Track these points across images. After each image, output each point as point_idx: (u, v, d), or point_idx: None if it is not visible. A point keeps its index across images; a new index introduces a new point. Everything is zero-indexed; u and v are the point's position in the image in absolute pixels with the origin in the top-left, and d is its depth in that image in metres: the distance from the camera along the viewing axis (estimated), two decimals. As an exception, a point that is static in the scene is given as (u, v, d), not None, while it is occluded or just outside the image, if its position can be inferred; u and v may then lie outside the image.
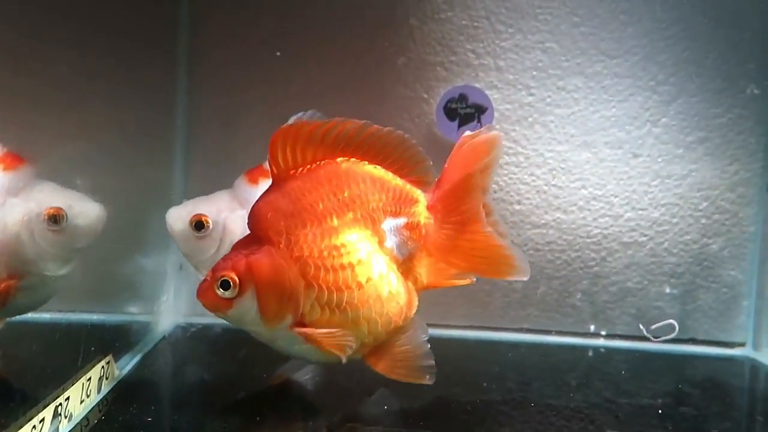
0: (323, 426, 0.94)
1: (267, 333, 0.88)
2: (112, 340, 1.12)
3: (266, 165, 1.11)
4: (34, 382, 0.93)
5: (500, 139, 0.92)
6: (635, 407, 1.08)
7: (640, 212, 1.46)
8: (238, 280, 0.83)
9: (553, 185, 1.46)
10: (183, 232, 1.07)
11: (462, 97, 1.42)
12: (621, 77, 1.44)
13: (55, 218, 0.94)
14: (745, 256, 1.46)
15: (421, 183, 0.96)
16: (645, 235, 1.46)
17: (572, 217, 1.46)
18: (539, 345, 1.44)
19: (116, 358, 1.07)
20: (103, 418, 0.92)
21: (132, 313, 1.29)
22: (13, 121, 0.95)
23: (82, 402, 0.91)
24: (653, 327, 1.43)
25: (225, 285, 0.84)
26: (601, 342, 1.47)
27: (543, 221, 1.46)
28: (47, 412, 0.80)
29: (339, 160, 0.90)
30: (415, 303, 0.95)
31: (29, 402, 0.80)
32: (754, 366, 1.39)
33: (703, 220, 1.46)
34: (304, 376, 1.12)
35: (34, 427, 0.76)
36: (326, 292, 0.86)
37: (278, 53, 1.43)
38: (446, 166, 0.94)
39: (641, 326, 1.42)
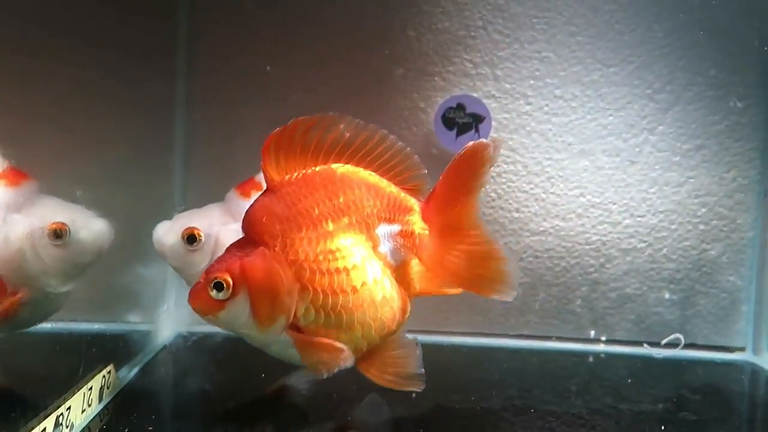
0: (323, 433, 0.94)
1: (259, 336, 0.88)
2: (113, 350, 1.13)
3: (258, 178, 1.11)
4: (36, 392, 0.93)
5: (496, 146, 0.91)
6: (636, 413, 1.08)
7: (638, 219, 1.47)
8: (231, 282, 0.83)
9: (552, 193, 1.47)
10: (174, 246, 1.06)
11: (460, 107, 1.43)
12: (618, 86, 1.45)
13: (58, 233, 0.94)
14: (743, 261, 1.46)
15: (415, 191, 0.96)
16: (644, 242, 1.47)
17: (571, 224, 1.47)
18: (539, 351, 1.44)
19: (117, 368, 1.07)
20: (104, 427, 0.92)
21: (133, 322, 1.30)
22: (13, 136, 0.96)
23: (83, 411, 0.91)
24: (663, 342, 1.43)
25: (218, 286, 0.83)
26: (601, 348, 1.47)
27: (542, 228, 1.47)
28: (48, 422, 0.80)
29: (334, 166, 0.90)
30: (408, 309, 0.96)
31: (31, 412, 0.80)
32: (754, 371, 1.39)
33: (702, 227, 1.46)
34: (301, 384, 1.13)
35: (35, 436, 0.77)
36: (321, 295, 0.86)
37: (268, 67, 1.44)
38: (442, 176, 0.94)
39: (646, 346, 1.42)
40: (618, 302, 1.48)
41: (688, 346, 1.45)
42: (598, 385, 1.24)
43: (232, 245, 0.89)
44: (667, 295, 1.47)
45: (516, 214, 1.47)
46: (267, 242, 0.86)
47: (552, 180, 1.46)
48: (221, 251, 0.89)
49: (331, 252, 0.87)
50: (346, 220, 0.89)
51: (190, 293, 0.86)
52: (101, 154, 1.15)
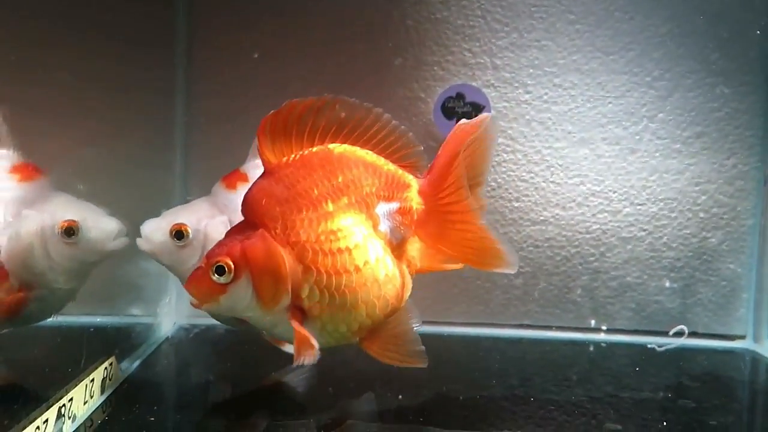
0: (324, 424, 0.94)
1: (263, 319, 0.88)
2: (115, 342, 1.13)
3: (243, 169, 1.11)
4: (38, 384, 0.94)
5: (489, 121, 0.92)
6: (636, 401, 1.08)
7: (638, 207, 1.46)
8: (233, 265, 0.83)
9: (552, 182, 1.47)
10: (163, 243, 1.04)
11: (459, 96, 1.43)
12: (617, 74, 1.45)
13: (69, 231, 0.94)
14: (744, 249, 1.46)
15: (412, 168, 0.96)
16: (644, 230, 1.47)
17: (571, 213, 1.47)
18: (540, 341, 1.45)
19: (119, 360, 1.07)
20: (106, 418, 0.93)
21: (134, 315, 1.30)
22: (16, 129, 0.96)
23: (85, 403, 0.92)
24: (671, 333, 1.42)
25: (220, 270, 0.83)
26: (601, 337, 1.47)
27: (542, 218, 1.47)
28: (51, 413, 0.81)
29: (331, 146, 0.90)
30: (410, 286, 0.96)
31: (33, 403, 0.80)
32: (755, 358, 1.39)
33: (702, 214, 1.46)
34: (302, 375, 1.13)
35: (37, 428, 0.77)
36: (325, 276, 0.86)
37: (256, 55, 1.43)
38: (440, 152, 0.94)
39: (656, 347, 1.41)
40: (618, 291, 1.48)
41: (688, 334, 1.46)
42: (598, 373, 1.25)
43: (232, 229, 0.89)
44: (667, 284, 1.47)
45: (516, 204, 1.47)
46: (267, 225, 0.86)
47: (552, 169, 1.46)
48: (211, 245, 0.89)
49: (332, 232, 0.87)
50: (345, 199, 0.89)
51: (189, 279, 0.86)
52: (100, 148, 1.15)
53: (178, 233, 1.04)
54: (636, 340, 1.45)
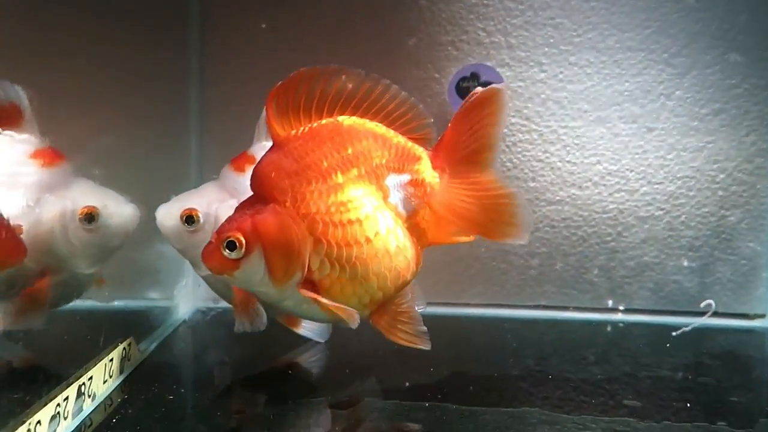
0: (339, 403, 0.94)
1: (276, 293, 0.88)
2: (133, 325, 1.14)
3: (251, 151, 1.10)
4: (59, 365, 0.95)
5: (503, 91, 0.91)
6: (655, 381, 1.08)
7: (656, 186, 1.45)
8: (244, 240, 0.83)
9: (568, 161, 1.45)
10: (174, 228, 1.05)
11: (474, 76, 1.42)
12: (633, 51, 1.43)
13: (90, 217, 0.95)
14: (763, 227, 1.44)
15: (422, 141, 0.95)
16: (661, 209, 1.45)
17: (587, 192, 1.46)
18: (557, 321, 1.44)
19: (138, 342, 1.08)
20: (126, 397, 0.93)
21: (152, 298, 1.31)
22: (35, 114, 0.96)
23: (105, 382, 0.93)
24: (702, 305, 1.40)
25: (231, 246, 0.83)
26: (619, 317, 1.46)
27: (558, 198, 1.46)
28: (71, 391, 0.81)
29: (341, 118, 0.89)
30: (421, 259, 0.95)
31: (53, 381, 0.81)
32: (775, 337, 1.38)
33: (720, 193, 1.44)
34: (318, 354, 1.13)
35: (58, 405, 0.78)
36: (335, 247, 0.86)
37: (269, 37, 1.43)
38: (451, 123, 0.93)
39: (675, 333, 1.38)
40: (636, 271, 1.47)
41: (707, 313, 1.44)
42: (616, 354, 1.24)
43: (241, 204, 0.88)
44: (685, 263, 1.46)
45: (532, 184, 1.46)
46: (277, 198, 0.85)
47: (568, 148, 1.45)
48: None
49: (342, 204, 0.86)
50: (355, 171, 0.88)
51: (203, 253, 0.85)
52: (116, 133, 1.15)
53: (189, 218, 1.04)
54: (654, 320, 1.44)
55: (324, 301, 0.86)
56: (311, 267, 0.86)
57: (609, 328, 1.41)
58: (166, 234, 1.06)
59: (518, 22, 1.44)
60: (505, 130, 1.44)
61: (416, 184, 0.93)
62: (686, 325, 1.31)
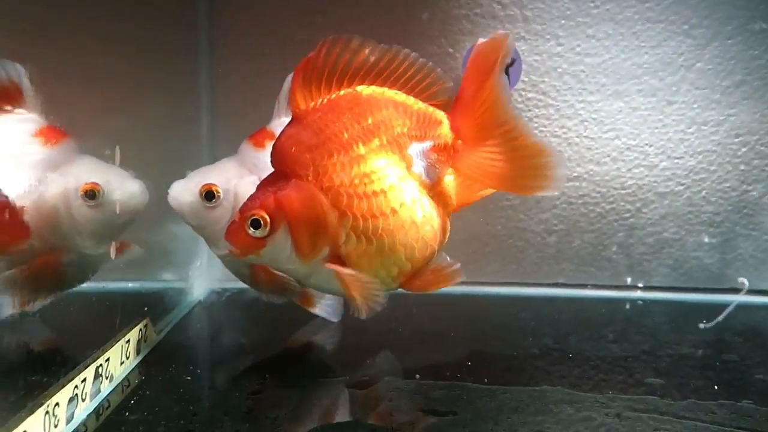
0: (358, 382, 0.94)
1: (303, 269, 0.86)
2: (148, 306, 1.13)
3: (270, 127, 1.09)
4: (77, 347, 0.94)
5: (506, 37, 0.86)
6: (675, 358, 1.06)
7: (676, 161, 1.42)
8: (268, 218, 0.81)
9: (585, 137, 1.43)
10: (192, 204, 1.02)
11: (489, 51, 1.39)
12: (653, 22, 1.40)
13: (91, 194, 0.93)
14: (786, 202, 1.42)
15: (443, 106, 0.92)
16: (681, 184, 1.43)
17: (606, 168, 1.43)
18: (575, 299, 1.43)
19: (154, 323, 1.08)
20: (143, 378, 0.93)
21: (166, 279, 1.31)
22: (43, 92, 0.95)
23: (122, 363, 0.92)
24: (740, 280, 1.37)
25: (256, 224, 0.81)
26: (638, 294, 1.45)
27: (575, 174, 1.44)
28: (88, 372, 0.81)
29: (359, 88, 0.87)
30: (448, 227, 0.93)
31: (70, 364, 0.81)
32: (798, 314, 1.36)
33: (742, 167, 1.42)
34: (334, 335, 1.13)
35: (76, 386, 0.77)
36: (361, 220, 0.84)
37: (280, 13, 1.39)
38: (462, 81, 0.90)
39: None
40: (655, 247, 1.45)
41: (728, 290, 1.42)
42: (635, 332, 1.22)
43: (263, 181, 0.87)
44: (706, 239, 1.44)
45: (549, 160, 1.44)
46: (299, 173, 0.84)
47: (585, 123, 1.42)
48: (241, 205, 0.87)
49: (366, 175, 0.85)
50: (377, 141, 0.86)
51: (227, 233, 0.84)
52: (127, 112, 1.14)
53: (209, 194, 1.02)
54: (674, 297, 1.43)
55: (347, 272, 0.84)
56: (338, 241, 0.84)
57: (628, 306, 1.40)
58: (181, 210, 1.04)
59: (534, -6, 1.41)
60: (521, 106, 1.42)
61: (439, 149, 0.90)
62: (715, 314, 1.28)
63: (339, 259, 0.85)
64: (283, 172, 0.85)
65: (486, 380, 0.94)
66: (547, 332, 1.21)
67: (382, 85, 0.88)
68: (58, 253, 0.95)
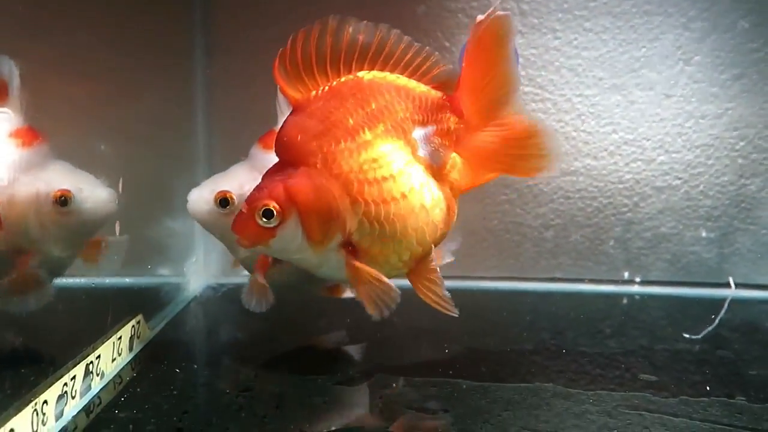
0: (352, 378, 0.94)
1: (314, 258, 0.86)
2: (143, 302, 1.14)
3: (278, 128, 1.08)
4: (67, 343, 0.94)
5: (506, 17, 0.86)
6: (672, 353, 1.06)
7: (673, 155, 1.42)
8: (279, 207, 0.81)
9: (583, 131, 1.42)
10: (209, 212, 1.04)
11: (485, 44, 1.38)
12: (651, 15, 1.39)
13: (63, 200, 0.92)
14: (785, 196, 1.41)
15: (444, 88, 0.91)
16: (679, 179, 1.42)
17: (603, 162, 1.43)
18: (572, 294, 1.42)
19: (148, 319, 1.08)
20: (135, 375, 0.93)
21: (162, 274, 1.30)
22: (35, 91, 0.94)
23: (113, 360, 0.92)
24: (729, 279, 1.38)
25: (267, 214, 0.81)
26: (635, 289, 1.44)
27: (573, 168, 1.43)
28: (78, 370, 0.81)
29: (360, 74, 0.87)
30: (455, 209, 0.93)
31: (60, 362, 0.81)
32: (796, 308, 1.35)
33: (740, 161, 1.41)
34: (330, 331, 1.12)
35: (65, 384, 0.77)
36: (372, 206, 0.83)
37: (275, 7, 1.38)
38: (463, 66, 0.89)
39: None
40: (653, 242, 1.44)
41: (726, 285, 1.42)
42: (632, 326, 1.22)
43: (268, 171, 0.86)
44: (704, 234, 1.43)
45: (545, 154, 1.43)
46: (306, 160, 0.83)
47: (582, 117, 1.42)
48: None
49: (374, 160, 0.84)
50: (381, 126, 0.85)
51: (235, 225, 0.83)
52: (123, 109, 1.14)
53: (223, 201, 1.02)
54: (671, 291, 1.42)
55: (358, 265, 0.84)
56: (350, 228, 0.84)
57: (625, 301, 1.39)
58: (201, 220, 1.05)
59: (531, -13, 1.40)
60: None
61: (443, 133, 0.90)
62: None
63: (351, 246, 0.85)
64: (288, 161, 0.85)
65: (479, 377, 0.94)
66: (544, 327, 1.20)
67: (381, 69, 0.87)
68: (27, 256, 0.94)
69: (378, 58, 0.87)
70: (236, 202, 1.02)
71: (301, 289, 1.07)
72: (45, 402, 0.72)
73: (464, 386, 0.90)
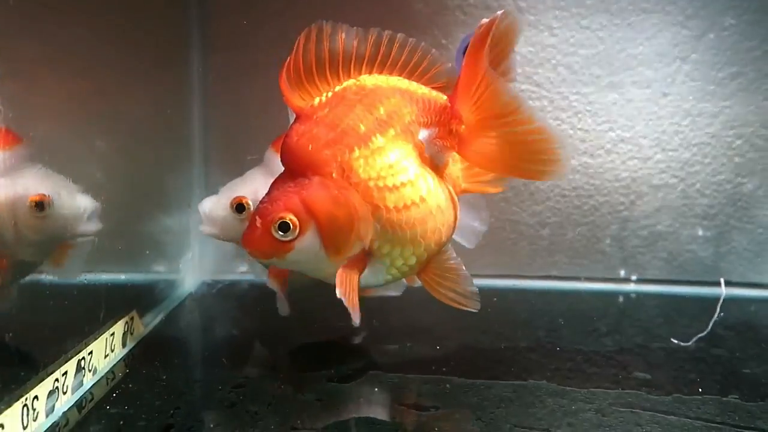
0: (346, 374, 0.93)
1: (331, 269, 0.83)
2: (137, 298, 1.13)
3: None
4: (59, 339, 0.93)
5: (506, 15, 0.83)
6: (667, 351, 1.05)
7: (670, 153, 1.41)
8: (296, 220, 0.79)
9: (579, 129, 1.42)
10: (225, 219, 1.04)
11: (482, 41, 1.38)
12: (648, 13, 1.38)
13: (40, 205, 0.91)
14: (781, 194, 1.41)
15: (444, 88, 0.90)
16: (676, 177, 1.42)
17: (599, 160, 1.42)
18: (568, 292, 1.42)
19: (142, 316, 1.07)
20: (128, 371, 0.93)
21: (157, 271, 1.30)
22: (27, 88, 0.93)
23: (106, 356, 0.92)
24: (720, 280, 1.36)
25: (284, 227, 0.78)
26: (631, 287, 1.44)
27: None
28: (70, 366, 0.81)
29: (362, 78, 0.85)
30: (458, 212, 0.92)
31: (51, 357, 0.80)
32: (792, 307, 1.35)
33: (737, 159, 1.40)
34: (326, 329, 1.12)
35: (56, 379, 0.77)
36: (394, 212, 0.82)
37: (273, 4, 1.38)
38: (463, 66, 0.87)
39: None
40: (649, 240, 1.44)
41: (720, 283, 1.42)
42: (628, 325, 1.22)
43: (276, 182, 0.84)
44: (700, 232, 1.43)
45: (542, 152, 1.43)
46: (320, 170, 0.81)
47: (579, 115, 1.41)
48: None
49: (390, 166, 0.82)
50: (392, 131, 0.84)
51: (247, 240, 0.81)
52: (118, 105, 1.14)
53: (239, 206, 1.03)
54: (667, 290, 1.42)
55: (350, 276, 0.82)
56: (372, 236, 0.82)
57: (621, 299, 1.39)
58: (214, 227, 1.05)
59: (528, -16, 1.40)
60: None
61: (445, 135, 0.88)
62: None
63: (365, 252, 0.83)
64: (297, 171, 0.82)
65: (473, 374, 0.93)
66: (540, 325, 1.20)
67: (380, 72, 0.86)
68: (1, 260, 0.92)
69: (376, 60, 0.86)
70: (252, 207, 1.02)
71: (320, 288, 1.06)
72: (36, 398, 0.72)
73: (458, 383, 0.90)
